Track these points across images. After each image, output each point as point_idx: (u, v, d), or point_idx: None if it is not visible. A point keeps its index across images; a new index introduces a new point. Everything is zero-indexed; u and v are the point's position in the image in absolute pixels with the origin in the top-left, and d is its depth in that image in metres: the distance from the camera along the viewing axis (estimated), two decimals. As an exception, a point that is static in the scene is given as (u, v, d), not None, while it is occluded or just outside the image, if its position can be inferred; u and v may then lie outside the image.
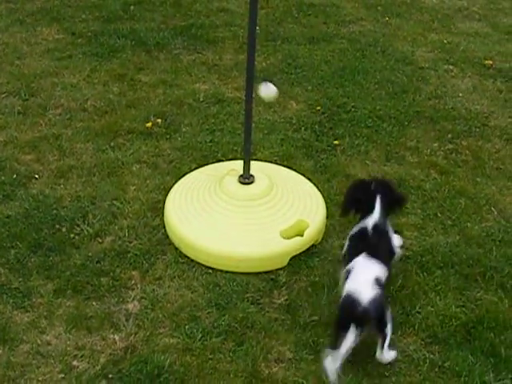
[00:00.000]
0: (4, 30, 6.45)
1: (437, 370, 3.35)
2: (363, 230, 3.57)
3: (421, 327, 3.56)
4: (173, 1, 7.13)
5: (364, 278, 3.32)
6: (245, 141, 4.09)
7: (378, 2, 7.38)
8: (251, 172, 4.18)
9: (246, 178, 4.15)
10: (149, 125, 5.07)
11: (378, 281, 3.32)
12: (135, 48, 6.17)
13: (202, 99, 5.45)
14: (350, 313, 3.21)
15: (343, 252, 3.70)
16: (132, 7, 6.95)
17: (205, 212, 4.05)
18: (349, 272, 3.40)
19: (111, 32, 6.40)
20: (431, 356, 3.41)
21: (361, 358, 3.34)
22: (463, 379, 3.30)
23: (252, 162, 4.19)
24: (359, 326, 3.17)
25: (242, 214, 4.02)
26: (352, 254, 3.49)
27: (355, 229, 3.64)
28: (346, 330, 3.17)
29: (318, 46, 6.38)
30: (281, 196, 4.14)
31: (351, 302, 3.22)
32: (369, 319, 3.20)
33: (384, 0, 7.46)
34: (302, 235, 3.94)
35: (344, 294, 3.29)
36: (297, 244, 3.93)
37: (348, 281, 3.35)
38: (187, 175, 4.44)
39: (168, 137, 4.97)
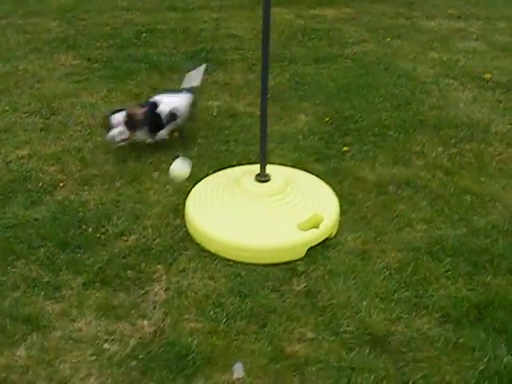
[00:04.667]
0: (23, 57, 6.77)
1: (452, 345, 3.48)
2: None
3: (434, 308, 3.70)
4: (182, 29, 7.47)
5: None
6: (261, 139, 4.32)
7: (379, 25, 7.71)
8: (267, 172, 4.40)
9: (263, 177, 4.37)
10: (167, 137, 5.28)
11: None
12: (149, 71, 6.46)
13: (215, 114, 5.70)
14: None
15: None
16: (144, 35, 7.28)
17: (224, 208, 4.26)
18: None
19: (126, 57, 6.71)
20: (446, 333, 3.55)
21: (379, 335, 3.53)
22: (477, 353, 3.43)
23: (267, 166, 4.41)
24: None
25: (260, 210, 4.21)
26: None
27: None
28: None
29: (323, 65, 6.67)
30: (296, 193, 4.35)
31: None
32: None
33: (384, 23, 7.81)
34: (317, 227, 4.13)
35: None
36: (313, 236, 4.10)
37: None
38: (206, 178, 4.66)
39: (185, 147, 5.18)
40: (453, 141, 5.36)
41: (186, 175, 4.42)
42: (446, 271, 3.98)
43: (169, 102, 5.08)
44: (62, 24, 7.73)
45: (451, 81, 6.42)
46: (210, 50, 6.94)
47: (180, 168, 4.38)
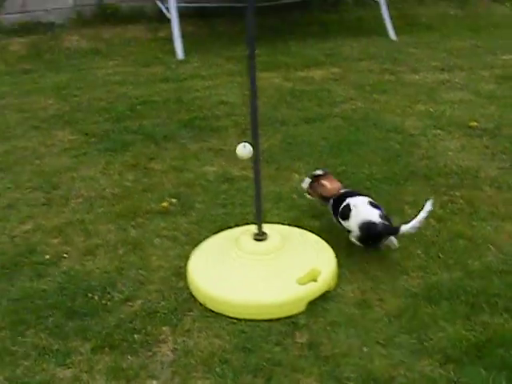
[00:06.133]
0: (21, 135, 6.95)
1: (453, 385, 3.60)
2: None
3: (434, 350, 3.80)
4: (175, 99, 7.67)
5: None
6: (255, 198, 4.48)
7: (366, 83, 7.93)
8: (264, 231, 4.55)
9: (260, 235, 4.52)
10: (165, 204, 5.44)
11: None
12: (145, 142, 6.64)
13: (211, 179, 5.85)
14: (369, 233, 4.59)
15: None
16: (138, 107, 7.48)
17: (224, 268, 4.39)
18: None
19: (121, 129, 6.89)
20: (447, 374, 3.64)
21: (382, 380, 3.63)
22: (478, 390, 3.55)
23: (264, 225, 4.56)
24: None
25: (259, 267, 4.35)
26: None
27: None
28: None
29: (313, 125, 6.84)
30: (294, 248, 4.49)
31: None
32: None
33: (371, 80, 8.02)
34: (316, 281, 4.26)
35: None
36: (312, 289, 4.22)
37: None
38: (206, 241, 4.80)
39: (183, 213, 5.33)
40: (443, 189, 5.51)
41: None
42: (444, 314, 4.08)
43: None
44: (58, 101, 7.95)
45: (439, 131, 6.61)
46: (204, 118, 7.14)
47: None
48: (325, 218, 5.14)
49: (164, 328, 4.11)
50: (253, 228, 4.58)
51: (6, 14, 11.27)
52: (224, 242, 4.65)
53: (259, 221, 4.53)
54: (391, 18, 10.37)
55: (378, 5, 10.50)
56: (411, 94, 7.61)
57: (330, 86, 7.92)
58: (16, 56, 10.21)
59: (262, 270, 4.34)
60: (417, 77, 8.19)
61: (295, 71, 8.53)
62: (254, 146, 4.38)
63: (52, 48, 10.45)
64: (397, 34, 10.34)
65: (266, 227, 4.58)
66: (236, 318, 4.13)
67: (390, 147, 6.28)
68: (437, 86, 7.82)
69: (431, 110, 7.10)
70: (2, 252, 4.95)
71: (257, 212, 4.52)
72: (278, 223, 4.97)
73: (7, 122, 7.39)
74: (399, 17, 11.02)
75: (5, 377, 3.78)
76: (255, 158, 4.43)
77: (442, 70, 8.55)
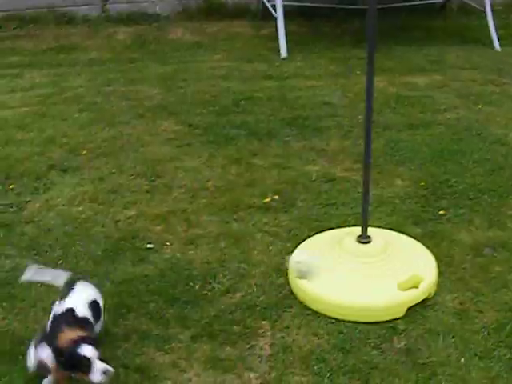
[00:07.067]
0: (127, 122, 7.12)
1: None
2: None
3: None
4: (278, 97, 7.73)
5: None
6: (363, 202, 4.50)
7: (470, 92, 7.84)
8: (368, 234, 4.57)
9: (364, 238, 4.53)
10: (267, 200, 5.50)
11: None
12: (248, 137, 6.72)
13: (313, 179, 5.88)
14: None
15: None
16: (242, 102, 7.56)
17: (327, 267, 4.40)
18: None
19: (225, 123, 6.99)
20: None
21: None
22: None
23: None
24: None
25: (361, 270, 4.37)
26: None
27: None
28: None
29: (417, 131, 6.80)
30: (396, 254, 4.50)
31: None
32: None
33: (475, 90, 7.93)
34: (417, 287, 4.26)
35: None
36: (413, 295, 4.22)
37: None
38: (308, 239, 4.84)
39: (285, 210, 5.38)
40: (547, 204, 5.43)
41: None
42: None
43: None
44: (163, 91, 8.10)
45: (543, 146, 6.52)
46: (307, 117, 7.18)
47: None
48: (426, 225, 5.13)
49: (263, 322, 4.18)
50: (356, 230, 4.60)
51: (113, 3, 11.49)
52: (327, 242, 4.69)
53: (365, 224, 4.54)
54: (496, 27, 10.20)
55: (483, 14, 10.34)
56: (516, 106, 7.52)
57: (434, 94, 7.87)
58: (122, 45, 10.43)
59: (364, 273, 4.36)
60: (523, 89, 8.09)
61: (399, 76, 8.49)
62: (367, 148, 4.37)
63: (157, 39, 10.63)
64: (501, 44, 10.17)
65: (370, 231, 4.59)
66: (335, 318, 4.17)
67: (494, 159, 6.20)
68: (543, 100, 7.71)
69: (536, 123, 7.00)
70: (106, 235, 5.10)
71: (363, 215, 4.54)
72: (380, 227, 4.96)
73: (113, 109, 7.57)
74: (504, 27, 10.82)
75: (105, 357, 3.83)
76: (365, 161, 4.43)
77: (549, 83, 8.42)
